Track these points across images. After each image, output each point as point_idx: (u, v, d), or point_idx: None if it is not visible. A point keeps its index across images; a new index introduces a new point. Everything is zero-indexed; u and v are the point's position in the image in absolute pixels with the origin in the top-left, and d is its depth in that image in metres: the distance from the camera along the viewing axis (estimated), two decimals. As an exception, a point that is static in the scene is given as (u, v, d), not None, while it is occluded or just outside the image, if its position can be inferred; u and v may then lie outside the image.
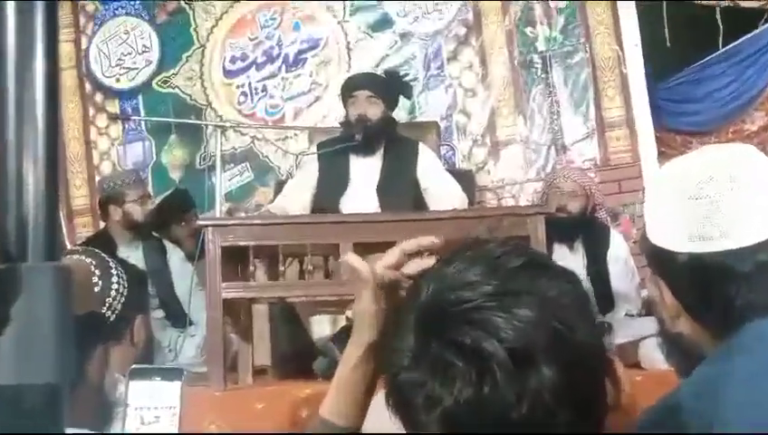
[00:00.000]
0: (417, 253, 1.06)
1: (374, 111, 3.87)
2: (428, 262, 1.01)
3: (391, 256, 1.06)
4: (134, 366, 1.31)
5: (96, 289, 1.29)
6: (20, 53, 0.52)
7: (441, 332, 0.88)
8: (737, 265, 1.09)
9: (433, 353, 0.88)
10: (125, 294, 1.33)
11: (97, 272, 1.30)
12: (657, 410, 1.13)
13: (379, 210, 3.69)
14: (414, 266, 1.03)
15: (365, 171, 3.86)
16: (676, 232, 1.12)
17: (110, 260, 1.41)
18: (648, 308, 3.97)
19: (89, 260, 1.33)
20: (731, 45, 4.77)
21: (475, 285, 0.89)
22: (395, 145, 3.93)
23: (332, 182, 3.87)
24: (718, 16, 4.74)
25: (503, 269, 0.90)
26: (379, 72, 4.53)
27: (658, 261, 1.16)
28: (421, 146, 3.97)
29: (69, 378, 0.50)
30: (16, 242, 0.51)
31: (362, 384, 1.09)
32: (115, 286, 1.32)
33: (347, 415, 1.09)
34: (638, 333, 3.48)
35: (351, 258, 1.09)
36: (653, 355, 3.29)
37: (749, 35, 4.76)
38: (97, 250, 1.47)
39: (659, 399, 1.14)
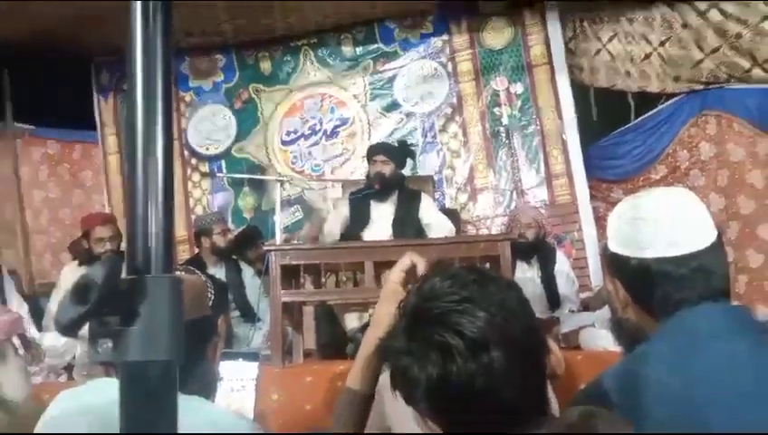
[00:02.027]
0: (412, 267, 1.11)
1: (387, 169, 3.88)
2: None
3: (395, 272, 1.09)
4: (224, 350, 1.32)
5: (210, 297, 1.28)
6: (145, 129, 0.53)
7: (420, 332, 0.90)
8: (675, 268, 1.08)
9: (414, 348, 0.90)
10: (213, 299, 1.33)
11: (209, 286, 1.30)
12: (595, 383, 1.12)
13: (391, 239, 3.69)
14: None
15: (382, 212, 3.87)
16: (630, 243, 1.12)
17: (203, 276, 1.42)
18: (585, 305, 3.96)
19: (204, 278, 1.33)
20: (639, 119, 4.78)
21: (444, 295, 0.91)
22: (404, 194, 3.93)
23: (359, 220, 3.88)
24: (630, 98, 4.76)
25: (463, 283, 0.92)
26: (392, 141, 4.56)
27: (615, 265, 1.15)
28: (423, 195, 3.98)
29: (181, 357, 0.51)
30: (143, 260, 0.51)
31: (372, 364, 1.12)
32: (209, 296, 1.32)
33: (361, 383, 1.12)
34: (578, 323, 3.46)
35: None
36: (589, 340, 3.27)
37: (651, 112, 4.76)
38: (193, 268, 1.48)
39: (598, 375, 1.13)
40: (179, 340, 0.50)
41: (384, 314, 1.05)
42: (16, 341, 1.88)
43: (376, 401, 1.16)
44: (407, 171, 4.25)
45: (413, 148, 4.56)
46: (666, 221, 1.10)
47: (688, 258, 1.08)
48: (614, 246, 1.15)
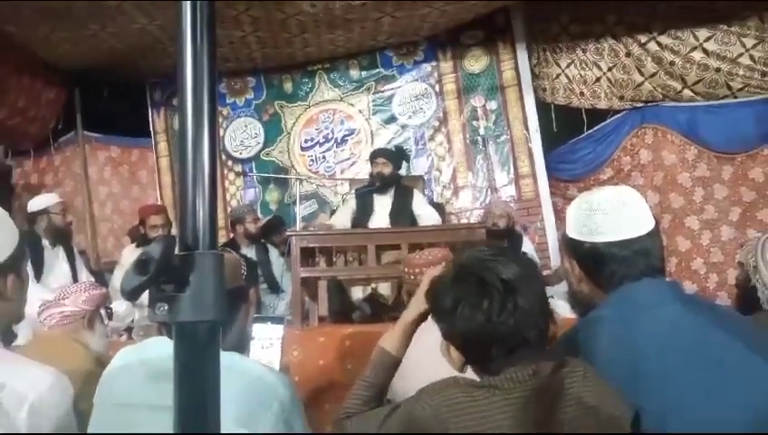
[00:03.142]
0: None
1: (387, 169, 3.87)
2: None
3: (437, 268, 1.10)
4: (255, 316, 1.32)
5: (243, 272, 1.28)
6: (194, 135, 0.53)
7: (463, 273, 0.94)
8: (619, 250, 1.08)
9: (458, 284, 0.94)
10: (245, 274, 1.33)
11: (242, 263, 1.30)
12: (561, 340, 1.13)
13: (389, 227, 3.69)
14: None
15: (382, 205, 3.85)
16: (584, 230, 1.12)
17: (237, 255, 1.41)
18: (548, 280, 3.96)
19: (237, 256, 1.33)
20: (590, 131, 4.75)
21: (483, 253, 0.95)
22: (400, 190, 3.91)
23: (363, 211, 3.87)
24: (583, 114, 4.75)
25: (492, 247, 0.96)
26: (391, 147, 4.55)
27: (572, 247, 1.16)
28: (415, 191, 3.96)
29: (222, 318, 0.51)
30: (192, 239, 0.51)
31: (407, 334, 1.13)
32: (242, 270, 1.31)
33: (395, 348, 1.13)
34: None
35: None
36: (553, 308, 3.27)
37: (600, 125, 4.74)
38: (229, 248, 1.47)
39: (563, 334, 1.13)
40: (222, 304, 0.50)
41: (419, 302, 1.08)
42: (103, 311, 1.96)
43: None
44: (402, 172, 4.25)
45: (407, 153, 4.57)
46: (613, 212, 1.11)
47: (631, 242, 1.09)
48: (571, 233, 1.16)
